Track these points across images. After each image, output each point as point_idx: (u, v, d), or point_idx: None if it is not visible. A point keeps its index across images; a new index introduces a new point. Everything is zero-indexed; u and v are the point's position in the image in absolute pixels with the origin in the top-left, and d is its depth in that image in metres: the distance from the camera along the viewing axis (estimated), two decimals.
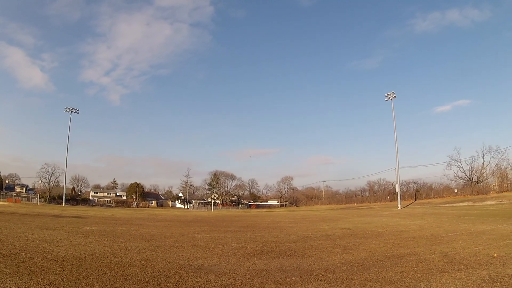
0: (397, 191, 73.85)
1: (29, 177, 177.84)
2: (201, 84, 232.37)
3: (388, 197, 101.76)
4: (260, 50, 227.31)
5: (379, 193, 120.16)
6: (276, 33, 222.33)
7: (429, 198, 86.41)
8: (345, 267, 8.68)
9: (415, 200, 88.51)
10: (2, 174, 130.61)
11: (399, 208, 62.03)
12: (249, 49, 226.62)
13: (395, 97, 73.40)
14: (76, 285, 6.55)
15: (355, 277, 7.48)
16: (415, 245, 12.53)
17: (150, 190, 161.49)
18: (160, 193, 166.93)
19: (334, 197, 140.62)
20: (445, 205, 59.38)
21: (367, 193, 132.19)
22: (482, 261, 9.04)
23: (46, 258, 9.09)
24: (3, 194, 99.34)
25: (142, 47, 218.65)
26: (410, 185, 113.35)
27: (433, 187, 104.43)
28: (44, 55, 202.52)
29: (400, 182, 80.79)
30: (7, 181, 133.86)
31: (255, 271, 8.39)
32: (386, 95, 74.77)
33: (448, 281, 7.02)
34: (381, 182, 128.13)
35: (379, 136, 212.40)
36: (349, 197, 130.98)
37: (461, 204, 57.81)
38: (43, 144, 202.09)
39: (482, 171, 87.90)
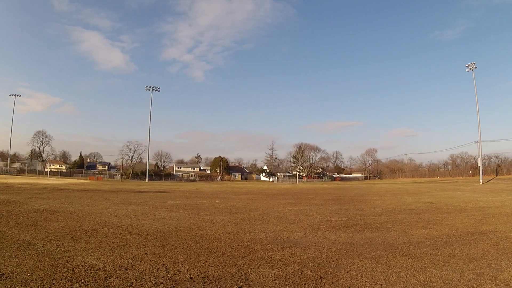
0: (479, 165, 77.23)
1: (111, 155, 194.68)
2: (285, 58, 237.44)
3: (470, 172, 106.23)
4: (343, 23, 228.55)
5: (461, 167, 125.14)
6: (358, 4, 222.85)
7: (510, 174, 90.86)
8: (429, 242, 8.87)
9: (496, 175, 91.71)
10: (83, 154, 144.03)
11: (481, 183, 64.13)
12: (331, 22, 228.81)
13: (476, 67, 76.49)
14: (160, 258, 6.77)
15: (439, 253, 7.60)
16: (497, 222, 12.67)
17: (234, 164, 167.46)
18: (244, 166, 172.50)
19: (417, 170, 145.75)
20: None
21: (449, 167, 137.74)
22: None
23: (130, 232, 9.62)
24: (84, 173, 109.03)
25: (224, 23, 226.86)
26: (491, 159, 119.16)
27: None
28: (123, 37, 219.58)
29: (482, 156, 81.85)
30: (88, 160, 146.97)
31: (341, 244, 8.62)
32: (467, 65, 78.04)
33: None
34: (463, 155, 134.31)
35: (460, 108, 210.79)
36: (432, 171, 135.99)
37: None
38: (125, 123, 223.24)
39: None
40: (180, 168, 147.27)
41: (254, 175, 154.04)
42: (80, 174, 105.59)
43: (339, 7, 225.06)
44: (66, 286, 5.01)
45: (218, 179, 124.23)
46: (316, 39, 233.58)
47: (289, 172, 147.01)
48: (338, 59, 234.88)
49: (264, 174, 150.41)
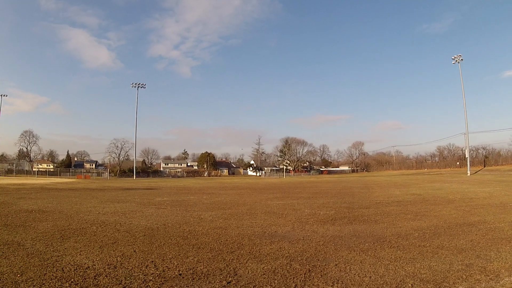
0: (466, 156, 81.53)
1: (99, 153, 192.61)
2: (273, 53, 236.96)
3: (458, 163, 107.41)
4: (330, 17, 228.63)
5: (449, 159, 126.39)
6: None
7: (498, 165, 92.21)
8: (417, 233, 8.97)
9: (484, 166, 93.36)
10: (70, 152, 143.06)
11: (469, 174, 66.02)
12: (318, 16, 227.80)
13: (462, 60, 78.00)
14: (149, 255, 6.77)
15: (427, 244, 7.66)
16: (485, 213, 12.76)
17: (222, 159, 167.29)
18: (231, 161, 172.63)
19: (405, 163, 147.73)
20: None
21: (436, 159, 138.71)
22: None
23: (118, 230, 9.59)
24: (72, 172, 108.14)
25: (211, 18, 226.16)
26: (479, 151, 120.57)
27: (501, 153, 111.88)
28: (109, 34, 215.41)
29: (470, 147, 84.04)
30: (76, 159, 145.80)
31: (329, 237, 8.66)
32: (453, 58, 79.37)
33: None
34: (451, 147, 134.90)
35: (447, 100, 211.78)
36: (419, 163, 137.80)
37: None
38: (112, 121, 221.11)
39: None
40: (168, 164, 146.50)
41: (241, 170, 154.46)
42: (68, 173, 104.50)
43: (326, 1, 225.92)
44: (56, 286, 4.99)
45: (205, 175, 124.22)
46: (303, 33, 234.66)
47: (276, 166, 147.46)
48: (325, 53, 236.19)
49: (251, 168, 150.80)
